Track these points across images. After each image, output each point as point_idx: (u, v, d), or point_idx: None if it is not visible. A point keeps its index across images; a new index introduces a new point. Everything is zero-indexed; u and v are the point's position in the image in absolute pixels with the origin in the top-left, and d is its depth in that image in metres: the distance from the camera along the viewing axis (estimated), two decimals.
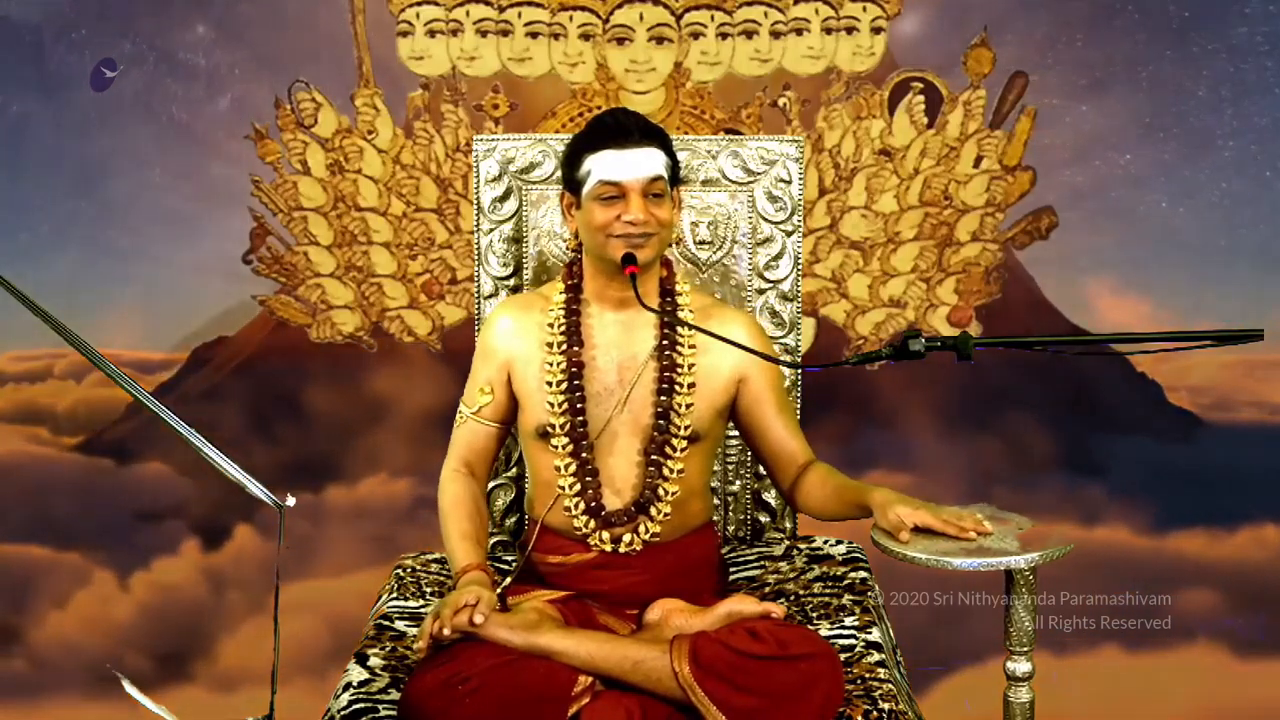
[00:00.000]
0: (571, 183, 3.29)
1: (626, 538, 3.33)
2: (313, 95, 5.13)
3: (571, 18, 5.03)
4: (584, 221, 3.27)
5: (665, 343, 3.35)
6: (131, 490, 5.27)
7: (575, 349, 3.35)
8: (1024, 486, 5.17)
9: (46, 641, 5.16)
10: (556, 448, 3.33)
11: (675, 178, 3.33)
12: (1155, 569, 5.10)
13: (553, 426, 3.33)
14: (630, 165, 3.22)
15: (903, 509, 3.10)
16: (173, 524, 5.18)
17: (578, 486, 3.33)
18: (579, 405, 3.33)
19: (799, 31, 5.08)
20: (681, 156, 3.78)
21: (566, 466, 3.33)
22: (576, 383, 3.33)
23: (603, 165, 3.23)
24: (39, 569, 5.24)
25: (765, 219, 3.83)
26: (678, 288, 3.43)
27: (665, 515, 3.34)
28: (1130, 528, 5.19)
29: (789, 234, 3.84)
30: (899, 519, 3.08)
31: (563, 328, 3.35)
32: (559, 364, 3.33)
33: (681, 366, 3.34)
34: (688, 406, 3.34)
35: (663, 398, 3.33)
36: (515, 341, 3.40)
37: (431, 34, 5.07)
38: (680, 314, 3.36)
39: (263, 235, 5.19)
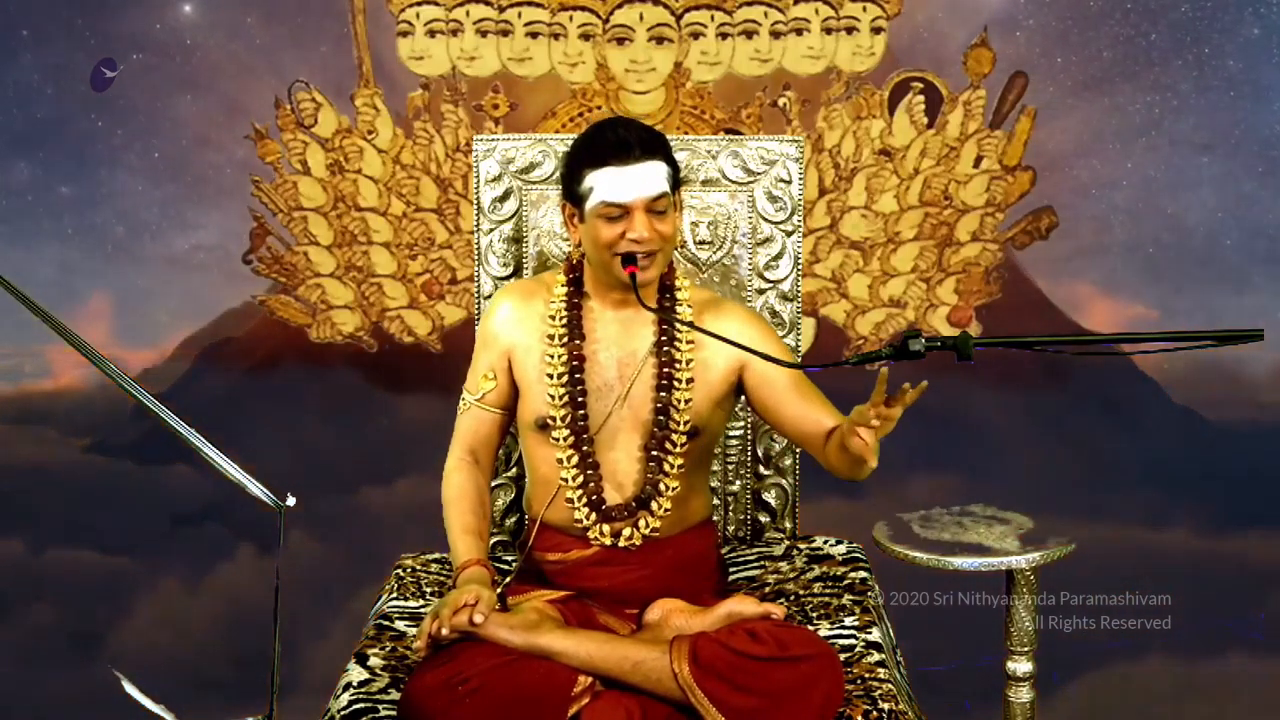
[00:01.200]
0: (572, 195, 3.26)
1: (626, 532, 3.30)
2: (313, 95, 5.09)
3: (571, 18, 4.99)
4: (588, 237, 3.24)
5: (664, 339, 3.33)
6: (161, 493, 5.20)
7: (576, 342, 3.33)
8: (1082, 490, 5.16)
9: (134, 651, 5.07)
10: (557, 440, 3.30)
11: (676, 184, 3.29)
12: (1231, 572, 5.07)
13: (552, 419, 3.30)
14: (633, 184, 3.19)
15: (859, 430, 2.97)
16: (214, 527, 5.12)
17: (579, 479, 3.30)
18: (580, 399, 3.31)
19: (799, 31, 5.05)
20: (681, 157, 3.75)
21: (568, 459, 3.30)
22: (578, 376, 3.31)
23: (605, 185, 3.19)
24: (95, 575, 5.14)
25: (765, 219, 3.80)
26: (677, 284, 3.40)
27: (666, 511, 3.30)
28: (1189, 530, 5.17)
29: (789, 234, 3.80)
30: (861, 444, 2.97)
31: (564, 321, 3.33)
32: (560, 357, 3.31)
33: (680, 363, 3.32)
34: (686, 402, 3.32)
35: (662, 394, 3.31)
36: (516, 329, 3.37)
37: (431, 34, 5.02)
38: (679, 310, 3.33)
39: (263, 235, 5.16)
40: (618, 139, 3.19)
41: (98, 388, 5.00)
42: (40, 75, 4.99)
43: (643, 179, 3.19)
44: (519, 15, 4.97)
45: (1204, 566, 5.02)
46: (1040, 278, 5.06)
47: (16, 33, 4.97)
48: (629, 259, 3.19)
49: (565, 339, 3.32)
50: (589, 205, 3.19)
